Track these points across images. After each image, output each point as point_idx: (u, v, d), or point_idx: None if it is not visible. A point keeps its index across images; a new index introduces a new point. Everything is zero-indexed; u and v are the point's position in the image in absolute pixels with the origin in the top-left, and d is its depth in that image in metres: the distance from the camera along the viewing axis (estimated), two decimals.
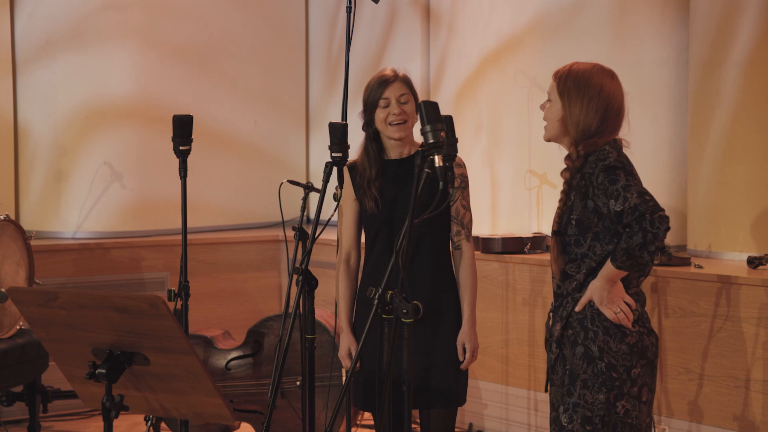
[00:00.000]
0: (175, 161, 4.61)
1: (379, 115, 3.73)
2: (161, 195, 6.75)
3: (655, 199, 3.13)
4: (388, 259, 3.61)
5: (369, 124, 3.78)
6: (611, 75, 3.31)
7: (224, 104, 7.11)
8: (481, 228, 5.91)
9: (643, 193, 3.11)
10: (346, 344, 3.81)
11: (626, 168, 3.17)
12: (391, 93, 3.72)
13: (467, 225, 3.76)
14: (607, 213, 3.15)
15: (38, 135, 6.62)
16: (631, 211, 3.08)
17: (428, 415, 3.76)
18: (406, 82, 3.77)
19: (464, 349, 3.71)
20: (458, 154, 3.78)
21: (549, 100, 3.33)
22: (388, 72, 3.77)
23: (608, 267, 3.16)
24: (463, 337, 3.71)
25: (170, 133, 4.57)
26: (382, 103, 3.73)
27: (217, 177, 7.08)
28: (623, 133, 3.33)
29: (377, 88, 3.74)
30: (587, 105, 3.24)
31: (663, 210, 3.10)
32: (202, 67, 6.99)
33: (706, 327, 4.59)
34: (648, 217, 3.06)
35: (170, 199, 6.64)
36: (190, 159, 4.63)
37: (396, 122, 3.71)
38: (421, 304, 3.66)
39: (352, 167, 3.83)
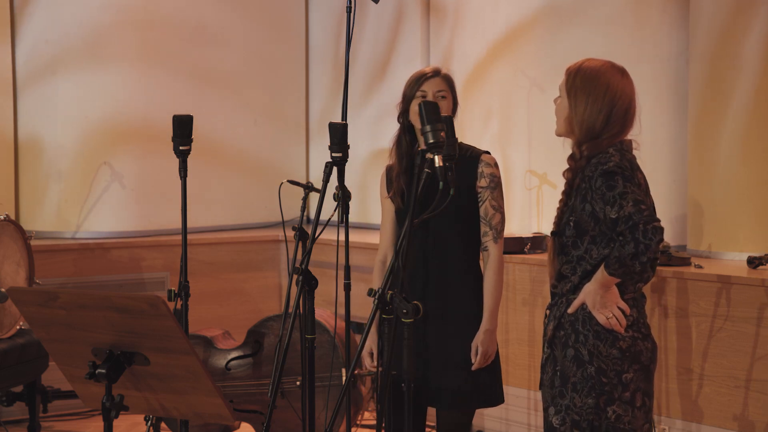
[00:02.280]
0: (175, 161, 4.60)
1: (414, 107, 3.73)
2: (161, 195, 6.75)
3: (652, 209, 3.09)
4: (411, 257, 3.62)
5: (403, 115, 3.79)
6: (621, 72, 3.26)
7: (224, 106, 7.11)
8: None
9: (639, 202, 3.06)
10: (369, 344, 3.82)
11: (625, 174, 3.12)
12: (429, 87, 3.75)
13: (496, 226, 3.74)
14: (603, 218, 3.13)
15: (39, 135, 6.61)
16: (625, 219, 3.04)
17: (443, 416, 3.76)
18: (447, 80, 3.79)
19: (476, 352, 3.70)
20: (490, 153, 3.80)
21: (560, 96, 3.31)
22: (429, 68, 3.81)
23: (602, 272, 3.14)
24: (477, 339, 3.70)
25: (170, 135, 4.57)
26: (418, 95, 3.74)
27: (218, 177, 7.08)
28: (634, 134, 3.28)
29: (417, 81, 3.76)
30: (591, 104, 3.20)
31: (658, 221, 3.06)
32: (201, 72, 6.99)
33: (706, 327, 4.59)
34: (641, 227, 3.02)
35: (170, 199, 6.64)
36: (190, 159, 4.63)
37: None
38: (445, 303, 3.69)
39: (389, 169, 3.86)
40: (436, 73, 3.77)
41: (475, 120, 6.18)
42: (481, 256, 3.79)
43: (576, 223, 3.19)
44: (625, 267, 3.07)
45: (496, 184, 3.75)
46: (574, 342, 3.19)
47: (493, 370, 3.75)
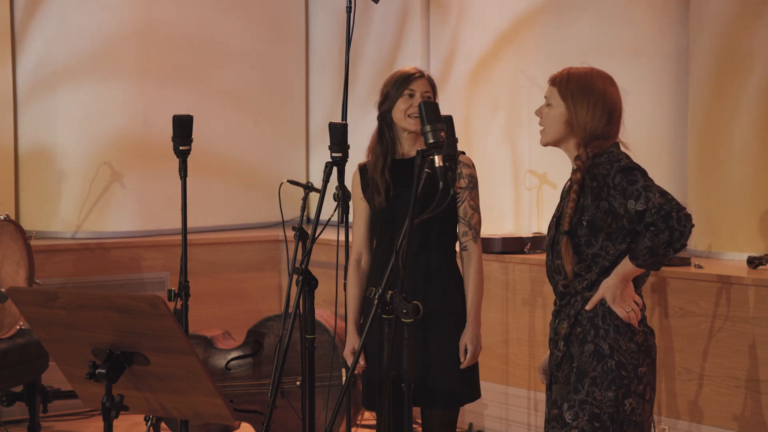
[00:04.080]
0: (175, 161, 4.60)
1: (400, 105, 3.77)
2: (161, 195, 6.76)
3: (676, 199, 3.15)
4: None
5: (386, 114, 3.80)
6: (611, 80, 3.34)
7: (224, 109, 7.12)
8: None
9: (665, 193, 3.13)
10: (351, 343, 3.84)
11: (641, 169, 3.20)
12: (417, 87, 3.78)
13: (475, 226, 3.78)
14: (624, 213, 3.16)
15: (39, 135, 6.62)
16: (656, 210, 3.10)
17: (430, 414, 3.77)
18: (431, 82, 3.84)
19: (466, 351, 3.72)
20: (467, 154, 3.82)
21: (548, 105, 3.32)
22: (413, 69, 3.83)
23: (626, 265, 3.18)
24: (466, 338, 3.73)
25: (170, 136, 4.57)
26: (407, 93, 3.76)
27: (218, 178, 7.08)
28: (621, 133, 3.34)
29: (403, 81, 3.79)
30: (593, 108, 3.26)
31: (686, 208, 3.13)
32: (201, 77, 7.00)
33: (706, 327, 4.59)
34: (674, 215, 3.08)
35: (170, 199, 6.65)
36: (190, 159, 4.63)
37: (417, 115, 3.74)
38: (427, 303, 3.70)
39: (363, 168, 3.85)
40: (422, 74, 3.82)
41: (465, 123, 6.17)
42: (459, 255, 3.81)
43: (589, 221, 3.22)
44: (656, 256, 3.12)
45: (474, 185, 3.80)
46: (594, 337, 3.23)
47: (473, 366, 3.78)
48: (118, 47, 6.64)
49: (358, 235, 3.89)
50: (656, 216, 3.10)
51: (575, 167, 3.29)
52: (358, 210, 3.89)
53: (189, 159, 4.60)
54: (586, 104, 3.26)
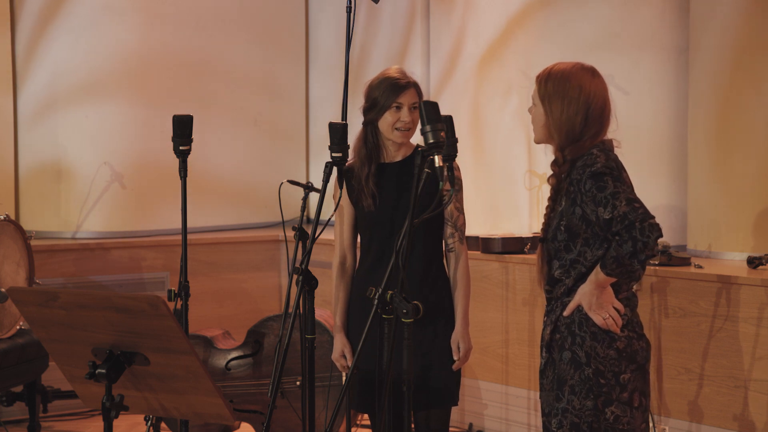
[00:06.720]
0: (175, 161, 4.60)
1: (388, 118, 3.73)
2: (161, 195, 6.76)
3: (645, 207, 3.09)
4: (385, 261, 3.63)
5: (372, 122, 3.78)
6: (592, 72, 3.25)
7: (224, 114, 7.12)
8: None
9: (632, 201, 3.07)
10: (340, 346, 3.84)
11: (614, 174, 3.12)
12: (406, 99, 3.73)
13: (461, 227, 3.79)
14: (595, 220, 3.12)
15: (39, 135, 6.62)
16: (620, 219, 3.04)
17: (425, 416, 3.77)
18: (418, 89, 3.79)
19: (458, 350, 3.73)
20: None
21: (534, 104, 3.30)
22: (401, 75, 3.76)
23: (598, 273, 3.13)
24: (456, 337, 3.73)
25: (170, 132, 4.57)
26: (394, 105, 3.73)
27: (218, 176, 7.08)
28: (612, 130, 3.28)
29: (391, 91, 3.73)
30: (567, 107, 3.19)
31: (653, 218, 3.07)
32: (202, 84, 7.01)
33: (706, 327, 4.59)
34: (638, 225, 3.03)
35: (170, 199, 6.64)
36: (190, 159, 4.63)
37: (404, 128, 3.73)
38: (421, 303, 3.69)
39: (348, 170, 3.84)
40: (409, 83, 3.75)
41: (462, 126, 6.15)
42: (445, 256, 3.82)
43: (567, 227, 3.19)
44: (623, 266, 3.07)
45: (459, 187, 3.79)
46: (571, 344, 3.19)
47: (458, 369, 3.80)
48: (122, 57, 6.65)
49: (345, 238, 3.89)
50: (620, 225, 3.05)
51: (551, 173, 3.26)
52: (344, 212, 3.88)
53: (190, 168, 4.60)
54: (560, 105, 3.19)
